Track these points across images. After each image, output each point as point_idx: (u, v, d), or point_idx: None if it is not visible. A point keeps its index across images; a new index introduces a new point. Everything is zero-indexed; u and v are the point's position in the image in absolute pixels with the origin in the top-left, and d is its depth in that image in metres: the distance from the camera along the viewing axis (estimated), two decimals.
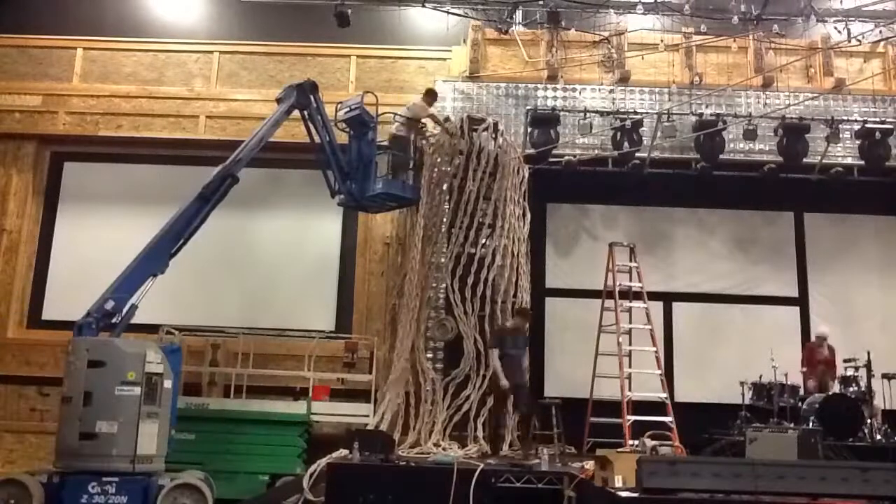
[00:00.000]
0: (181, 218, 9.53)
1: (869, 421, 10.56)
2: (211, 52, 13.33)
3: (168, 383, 8.73)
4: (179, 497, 8.51)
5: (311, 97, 10.74)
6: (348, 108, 10.96)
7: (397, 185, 11.19)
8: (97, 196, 13.05)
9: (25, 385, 12.12)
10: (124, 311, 8.94)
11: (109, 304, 8.84)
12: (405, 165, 11.32)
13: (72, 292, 12.24)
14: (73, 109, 13.06)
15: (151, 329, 11.19)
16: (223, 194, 9.86)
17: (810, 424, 10.37)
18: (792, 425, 10.27)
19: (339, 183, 11.02)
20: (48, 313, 12.67)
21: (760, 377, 11.26)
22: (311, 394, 10.82)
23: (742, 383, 11.28)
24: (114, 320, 8.88)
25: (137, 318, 11.91)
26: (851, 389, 10.99)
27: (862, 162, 12.20)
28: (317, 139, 10.86)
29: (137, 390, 8.39)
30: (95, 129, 13.00)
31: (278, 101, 10.74)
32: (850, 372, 11.15)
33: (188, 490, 8.57)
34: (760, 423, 10.74)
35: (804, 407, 10.93)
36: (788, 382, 11.15)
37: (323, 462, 8.66)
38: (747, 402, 11.22)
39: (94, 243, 12.69)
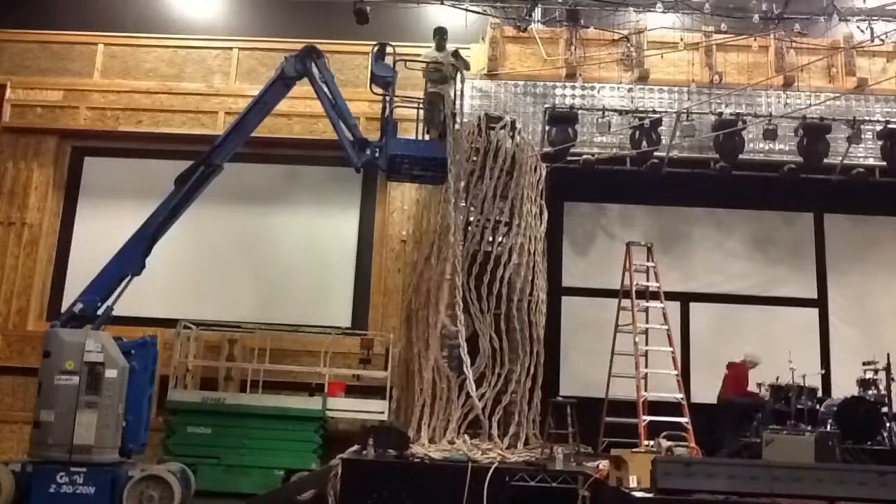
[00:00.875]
0: (154, 216, 9.33)
1: (889, 424, 10.46)
2: (230, 48, 13.39)
3: (112, 372, 8.51)
4: (146, 489, 8.43)
5: (310, 64, 9.94)
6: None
7: (418, 146, 10.02)
8: (117, 191, 13.14)
9: None
10: (99, 312, 8.80)
11: (78, 307, 8.78)
12: (435, 122, 10.23)
13: None
14: (94, 105, 13.16)
15: (170, 323, 11.28)
16: (199, 184, 9.54)
17: (828, 427, 10.29)
18: (809, 427, 10.20)
19: (352, 152, 9.93)
20: (67, 306, 12.77)
21: (777, 379, 11.18)
22: (326, 390, 10.86)
23: (760, 385, 11.21)
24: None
25: (155, 313, 12.04)
26: (871, 392, 10.89)
27: (884, 163, 12.07)
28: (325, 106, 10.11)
29: (76, 379, 8.32)
30: (116, 125, 13.09)
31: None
32: (868, 375, 11.05)
33: (156, 482, 8.49)
34: (778, 425, 10.69)
35: (822, 409, 10.84)
36: (807, 385, 11.07)
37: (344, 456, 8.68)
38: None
39: (114, 238, 12.67)
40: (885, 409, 10.65)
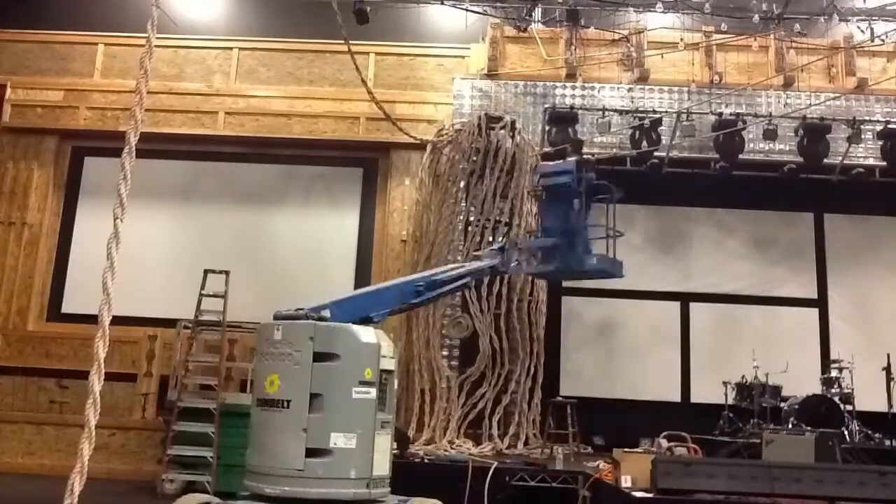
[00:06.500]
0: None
1: (850, 423, 10.52)
2: (230, 48, 13.39)
3: (395, 383, 6.65)
4: None
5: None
6: (553, 173, 8.26)
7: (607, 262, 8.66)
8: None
9: (45, 377, 12.24)
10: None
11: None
12: None
13: (91, 286, 12.32)
14: (94, 105, 13.16)
15: (170, 323, 11.28)
16: None
17: (790, 425, 10.33)
18: (809, 428, 10.20)
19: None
20: (67, 307, 12.78)
21: (743, 377, 11.24)
22: None
23: (725, 383, 11.26)
24: None
25: (155, 313, 12.05)
26: (833, 390, 10.91)
27: (884, 163, 12.06)
28: None
29: (373, 393, 6.20)
30: (116, 125, 13.05)
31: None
32: (834, 374, 11.10)
33: None
34: (742, 423, 10.77)
35: (785, 408, 10.90)
36: (770, 383, 11.09)
37: None
38: (730, 402, 11.22)
39: None
40: (849, 407, 10.70)
